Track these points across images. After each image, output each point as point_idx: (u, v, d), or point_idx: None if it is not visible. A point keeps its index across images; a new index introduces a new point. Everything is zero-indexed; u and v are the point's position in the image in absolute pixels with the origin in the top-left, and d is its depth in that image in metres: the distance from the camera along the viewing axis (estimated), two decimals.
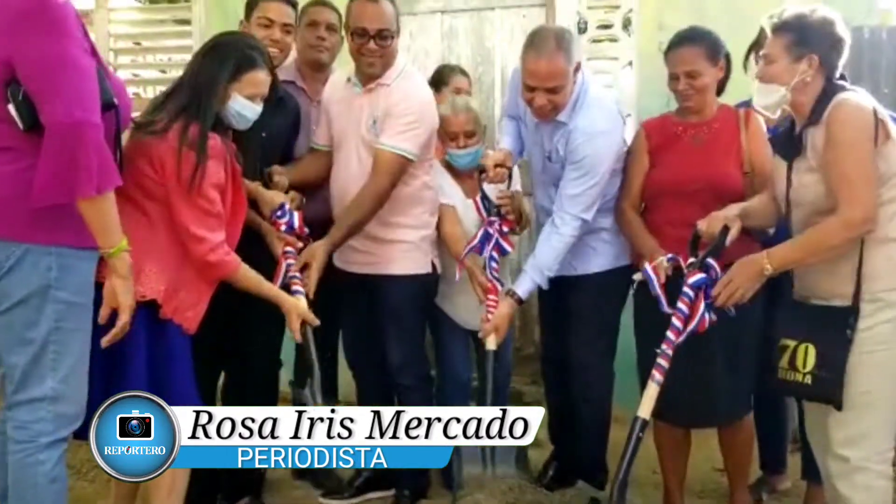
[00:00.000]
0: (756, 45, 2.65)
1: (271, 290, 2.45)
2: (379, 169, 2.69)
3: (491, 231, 2.79)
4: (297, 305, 2.45)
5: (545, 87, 2.61)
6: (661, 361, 2.35)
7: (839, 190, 2.11)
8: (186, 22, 4.50)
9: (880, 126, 2.12)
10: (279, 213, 2.61)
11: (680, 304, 2.35)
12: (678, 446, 2.82)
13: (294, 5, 2.93)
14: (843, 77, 2.24)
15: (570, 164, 2.70)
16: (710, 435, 2.98)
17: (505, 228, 2.84)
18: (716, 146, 2.68)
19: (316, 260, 2.58)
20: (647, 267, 2.45)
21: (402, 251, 2.85)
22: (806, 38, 2.21)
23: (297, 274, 2.56)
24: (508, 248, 2.85)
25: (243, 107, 2.33)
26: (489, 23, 4.20)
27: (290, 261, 2.57)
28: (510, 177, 2.89)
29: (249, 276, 2.37)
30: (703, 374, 2.58)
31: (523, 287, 2.74)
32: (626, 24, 4.05)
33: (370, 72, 2.75)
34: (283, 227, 2.60)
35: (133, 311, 2.10)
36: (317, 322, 2.46)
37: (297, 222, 2.62)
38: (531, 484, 2.98)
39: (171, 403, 2.11)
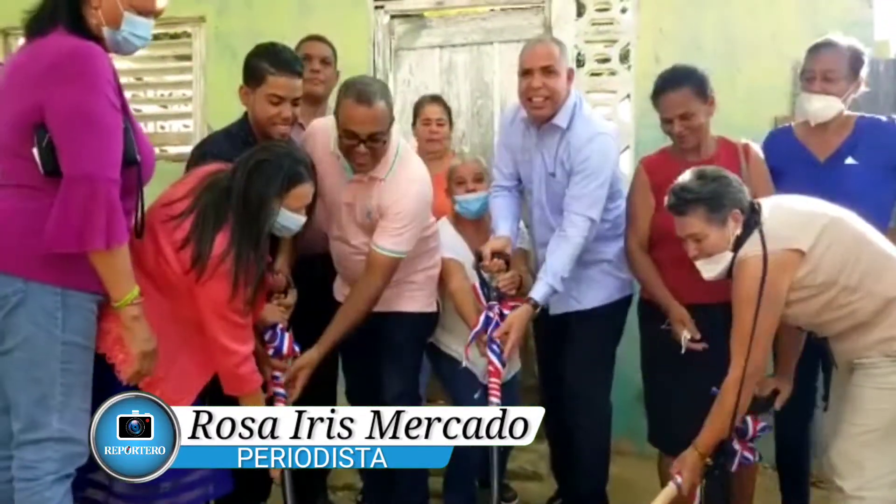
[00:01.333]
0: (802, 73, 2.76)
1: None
2: (374, 270, 2.62)
3: (492, 315, 2.74)
4: None
5: (540, 67, 2.68)
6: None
7: (733, 345, 2.25)
8: (187, 57, 4.54)
9: (777, 266, 2.18)
10: (269, 334, 2.54)
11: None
12: None
13: (300, 75, 2.64)
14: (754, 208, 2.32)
15: (576, 168, 2.71)
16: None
17: (506, 311, 2.77)
18: None
19: (303, 374, 2.54)
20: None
21: (410, 290, 2.84)
22: (717, 203, 2.28)
23: (282, 391, 2.52)
24: None
25: (288, 219, 2.31)
26: (488, 57, 4.24)
27: (278, 385, 2.53)
28: (508, 264, 2.81)
29: (258, 402, 2.34)
30: (701, 404, 2.54)
31: (539, 292, 2.68)
32: (624, 58, 4.09)
33: (360, 170, 2.61)
34: (270, 352, 2.53)
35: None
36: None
37: (286, 347, 2.54)
38: None
39: None
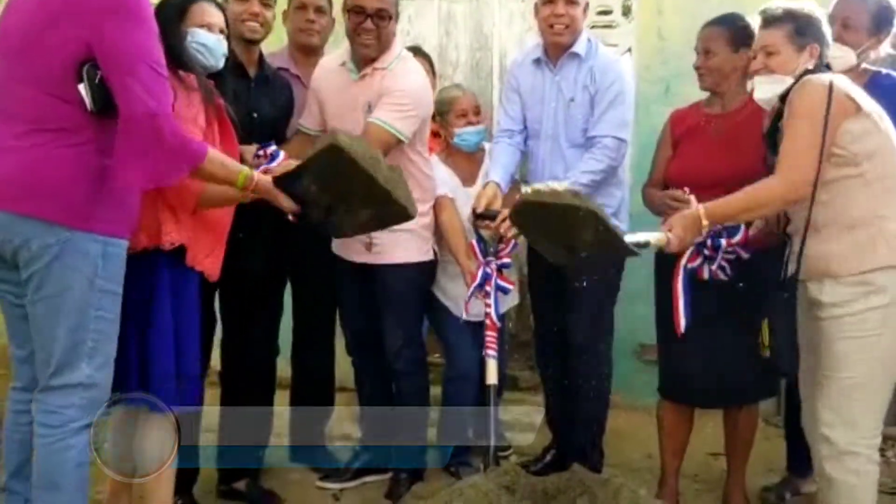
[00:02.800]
0: None
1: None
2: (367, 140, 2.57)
3: (489, 271, 2.79)
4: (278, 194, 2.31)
5: None
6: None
7: (783, 155, 2.18)
8: None
9: (839, 102, 2.14)
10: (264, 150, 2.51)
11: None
12: (680, 427, 2.83)
13: None
14: (828, 66, 2.29)
15: (602, 90, 2.80)
16: (706, 420, 3.01)
17: (506, 260, 2.83)
18: (737, 139, 2.64)
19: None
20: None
21: (405, 239, 2.85)
22: (805, 28, 2.26)
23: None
24: (509, 287, 2.87)
25: (199, 36, 2.32)
26: (487, 8, 4.17)
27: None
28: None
29: (216, 158, 2.18)
30: (718, 353, 2.60)
31: None
32: (626, 11, 4.03)
33: (365, 52, 2.71)
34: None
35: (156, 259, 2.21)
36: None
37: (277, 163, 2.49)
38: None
39: (184, 364, 2.24)
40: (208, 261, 2.31)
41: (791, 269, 2.27)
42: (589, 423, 2.95)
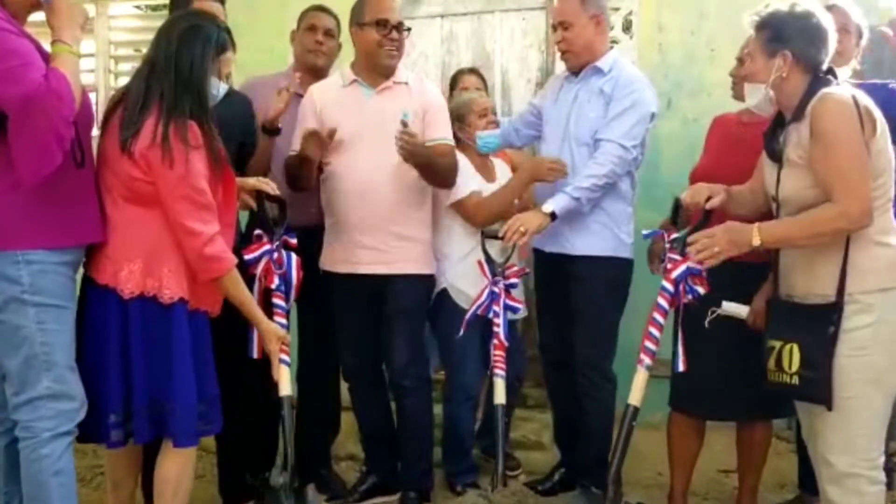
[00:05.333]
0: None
1: (253, 309, 2.38)
2: (449, 154, 2.85)
3: (496, 290, 2.80)
4: (277, 329, 2.45)
5: (558, 22, 2.87)
6: (648, 344, 2.36)
7: (834, 184, 2.05)
8: None
9: (865, 118, 2.08)
10: (276, 255, 2.56)
11: (665, 283, 2.37)
12: (690, 441, 2.80)
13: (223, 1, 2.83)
14: (830, 71, 2.21)
15: (617, 98, 2.80)
16: (717, 437, 2.98)
17: (514, 280, 2.83)
18: (750, 145, 2.54)
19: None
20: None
21: (418, 251, 2.87)
22: (780, 33, 2.19)
23: (282, 303, 2.57)
24: (518, 307, 2.87)
25: (215, 86, 2.32)
26: (489, 26, 4.19)
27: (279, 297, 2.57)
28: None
29: (239, 285, 2.31)
30: (730, 366, 2.57)
31: (558, 202, 2.72)
32: (627, 27, 4.05)
33: (390, 63, 2.83)
34: (275, 281, 2.56)
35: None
36: (288, 340, 2.48)
37: (294, 273, 2.59)
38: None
39: (205, 389, 2.26)
40: (210, 299, 2.30)
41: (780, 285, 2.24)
42: (596, 441, 2.92)
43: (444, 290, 2.99)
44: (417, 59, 4.21)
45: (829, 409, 2.11)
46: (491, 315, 2.79)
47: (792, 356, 2.15)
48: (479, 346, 2.99)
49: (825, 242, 2.11)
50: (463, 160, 2.97)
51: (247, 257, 2.48)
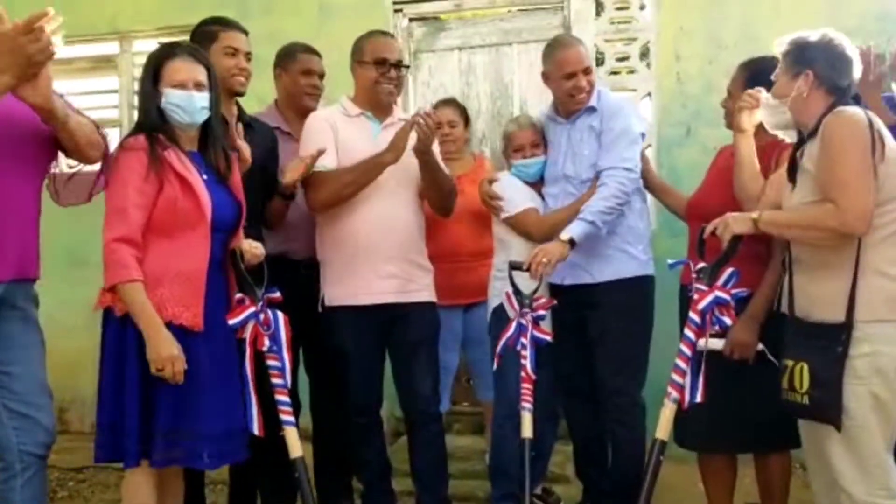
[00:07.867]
0: None
1: (148, 327, 2.23)
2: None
3: (524, 322, 2.76)
4: (173, 345, 2.23)
5: (583, 68, 2.92)
6: (676, 377, 2.33)
7: (834, 189, 2.08)
8: None
9: (877, 141, 2.09)
10: (263, 317, 2.47)
11: (692, 315, 2.34)
12: (725, 476, 2.75)
13: (247, 33, 2.88)
14: (856, 98, 2.22)
15: (607, 128, 2.89)
16: (745, 470, 2.91)
17: (542, 312, 2.80)
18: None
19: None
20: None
21: (430, 279, 2.93)
22: (803, 54, 2.24)
23: (280, 381, 2.50)
24: (546, 338, 2.81)
25: (174, 96, 2.35)
26: (507, 58, 4.24)
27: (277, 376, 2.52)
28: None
29: (135, 302, 2.23)
30: (744, 398, 2.54)
31: (576, 229, 2.73)
32: (644, 56, 4.07)
33: (387, 100, 2.90)
34: (267, 343, 2.49)
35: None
36: (181, 366, 2.25)
37: (283, 333, 2.51)
38: None
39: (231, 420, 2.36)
40: (188, 313, 2.29)
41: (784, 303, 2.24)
42: (628, 468, 2.86)
43: (501, 307, 2.94)
44: (437, 90, 4.25)
45: (838, 429, 2.10)
46: (518, 347, 2.76)
47: (803, 375, 2.15)
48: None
49: (815, 243, 2.15)
50: (514, 178, 3.06)
51: (231, 322, 2.40)
